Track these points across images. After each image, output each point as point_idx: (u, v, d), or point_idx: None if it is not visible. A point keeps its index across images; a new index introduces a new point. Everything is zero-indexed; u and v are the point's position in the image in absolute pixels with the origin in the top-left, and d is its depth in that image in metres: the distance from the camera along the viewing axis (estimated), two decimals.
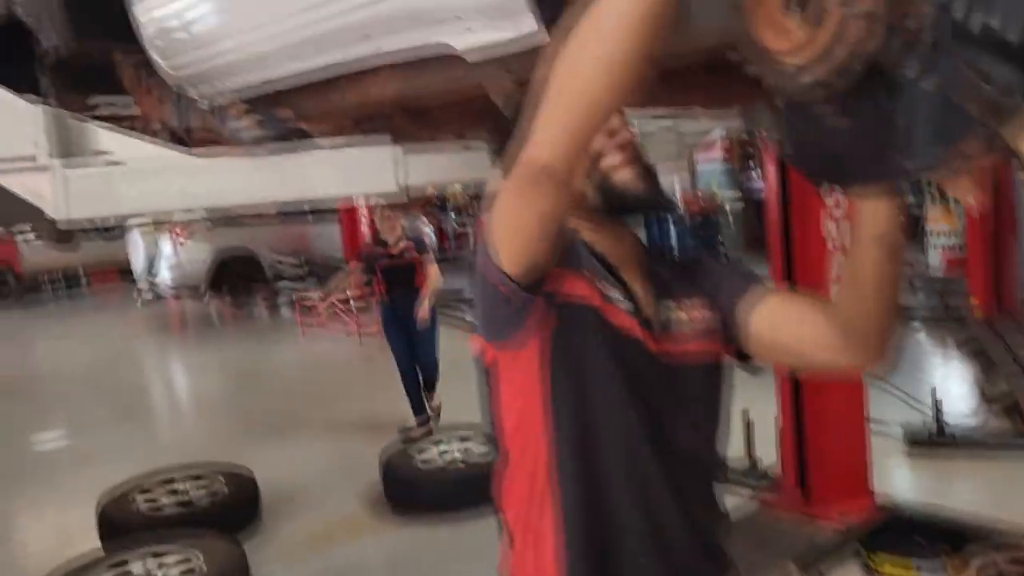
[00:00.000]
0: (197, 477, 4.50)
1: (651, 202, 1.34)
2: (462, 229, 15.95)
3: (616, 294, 1.30)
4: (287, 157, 1.79)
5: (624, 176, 1.31)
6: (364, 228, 11.04)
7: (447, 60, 1.73)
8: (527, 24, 1.33)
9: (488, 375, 1.37)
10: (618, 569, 1.29)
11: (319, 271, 11.41)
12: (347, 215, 11.44)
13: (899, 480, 4.40)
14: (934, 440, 4.69)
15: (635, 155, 1.33)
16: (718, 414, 1.38)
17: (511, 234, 1.19)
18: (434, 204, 15.73)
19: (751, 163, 11.98)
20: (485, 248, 1.22)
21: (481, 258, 1.24)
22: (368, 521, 4.45)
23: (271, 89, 2.00)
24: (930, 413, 4.75)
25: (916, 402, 4.93)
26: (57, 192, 1.71)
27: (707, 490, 1.37)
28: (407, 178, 1.79)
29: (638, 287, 1.34)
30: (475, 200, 16.85)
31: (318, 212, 12.24)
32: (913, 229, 8.24)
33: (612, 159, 1.30)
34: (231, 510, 4.28)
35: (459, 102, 1.97)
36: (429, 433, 5.35)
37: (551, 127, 1.09)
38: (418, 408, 5.64)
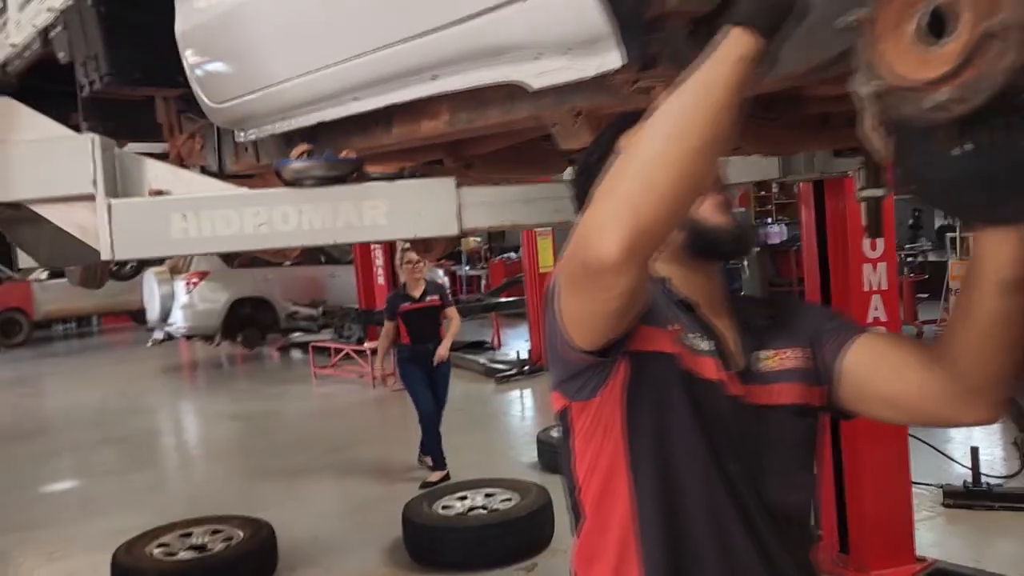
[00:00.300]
0: (215, 531, 4.36)
1: (741, 243, 1.28)
2: (474, 275, 15.97)
3: (704, 344, 1.22)
4: (343, 194, 1.73)
5: (714, 215, 1.24)
6: (380, 278, 11.06)
7: (505, 97, 1.68)
8: (612, 60, 1.28)
9: (562, 426, 1.28)
10: None
11: (334, 319, 11.36)
12: (363, 263, 11.43)
13: (938, 537, 4.26)
14: (972, 495, 4.57)
15: (725, 193, 1.26)
16: (812, 468, 1.29)
17: (574, 322, 1.13)
18: (449, 254, 15.79)
19: (767, 209, 11.96)
20: (553, 312, 1.16)
21: (549, 321, 1.18)
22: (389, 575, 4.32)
23: (323, 126, 1.96)
24: (964, 467, 4.64)
25: (947, 456, 4.83)
26: (112, 230, 1.64)
27: (801, 554, 1.26)
28: (466, 220, 1.73)
29: (727, 332, 1.26)
30: (489, 250, 16.91)
31: (332, 259, 12.24)
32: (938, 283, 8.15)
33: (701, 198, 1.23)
34: (248, 561, 4.15)
35: (514, 143, 1.92)
36: (447, 478, 5.31)
37: (619, 210, 0.97)
38: (437, 453, 5.57)
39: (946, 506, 4.54)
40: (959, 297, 1.14)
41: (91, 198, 1.72)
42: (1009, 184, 0.91)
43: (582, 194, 1.28)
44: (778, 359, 1.25)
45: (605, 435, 1.21)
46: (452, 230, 1.74)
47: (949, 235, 10.46)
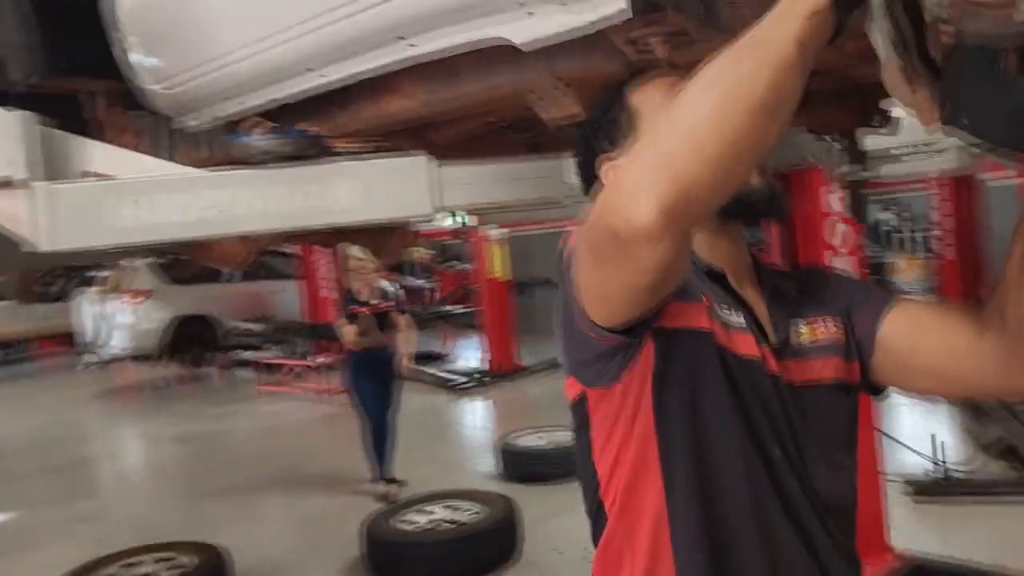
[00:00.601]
0: (164, 559, 4.09)
1: (775, 204, 1.15)
2: (425, 286, 15.75)
3: (736, 317, 1.09)
4: (307, 172, 1.57)
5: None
6: (325, 291, 10.82)
7: (482, 65, 1.55)
8: (614, 6, 1.15)
9: (577, 417, 1.15)
10: None
11: (279, 335, 11.06)
12: (308, 275, 11.19)
13: (908, 529, 4.24)
14: (941, 488, 4.58)
15: None
16: (854, 450, 1.17)
17: (596, 297, 0.99)
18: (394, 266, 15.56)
19: None
20: (569, 286, 1.02)
21: (564, 296, 1.04)
22: None
23: (276, 105, 1.80)
24: (928, 460, 4.68)
25: (911, 450, 4.84)
26: (47, 218, 1.45)
27: (847, 543, 1.13)
28: (443, 198, 1.58)
29: (757, 303, 1.14)
30: (442, 261, 16.73)
31: (276, 274, 11.95)
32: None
33: None
34: None
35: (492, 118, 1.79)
36: (399, 489, 5.24)
37: (659, 172, 0.83)
38: (385, 465, 5.44)
39: (912, 497, 4.53)
40: (1012, 254, 1.02)
41: (23, 184, 1.53)
42: None
43: (587, 162, 1.17)
44: (813, 332, 1.14)
45: (630, 424, 1.08)
46: (427, 209, 1.59)
47: (885, 229, 10.61)
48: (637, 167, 0.87)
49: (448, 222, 10.18)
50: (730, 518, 1.06)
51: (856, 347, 1.15)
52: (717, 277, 1.13)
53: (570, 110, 1.55)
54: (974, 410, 5.88)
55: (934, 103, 0.93)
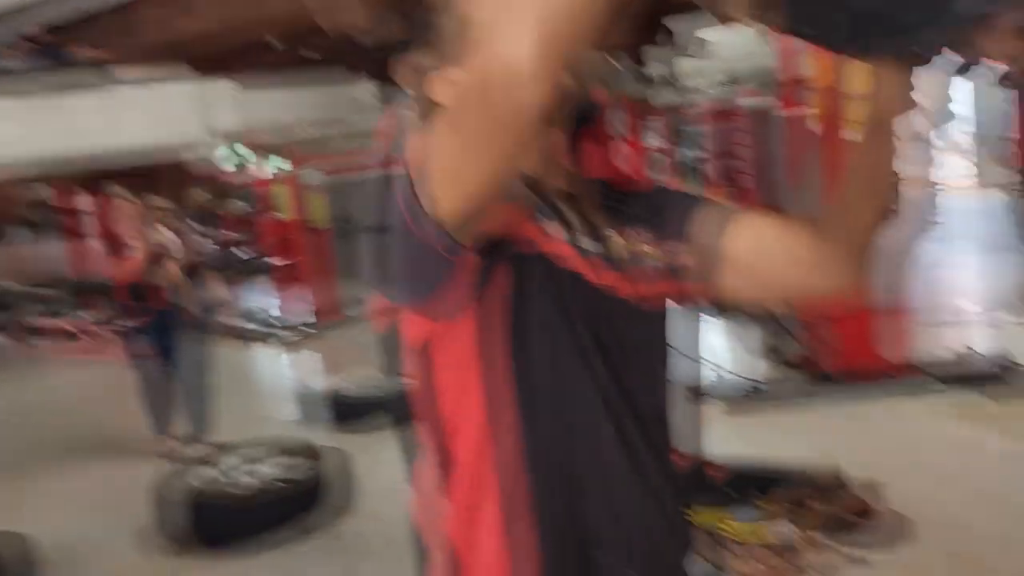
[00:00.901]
0: None
1: (592, 112, 1.09)
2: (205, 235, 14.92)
3: (564, 230, 1.05)
4: (68, 97, 1.35)
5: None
6: (95, 243, 10.05)
7: None
8: None
9: (419, 359, 1.08)
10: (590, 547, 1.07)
11: (46, 295, 10.18)
12: (73, 230, 10.35)
13: (723, 441, 4.53)
14: (749, 398, 4.96)
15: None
16: (669, 361, 1.18)
17: (453, 188, 0.90)
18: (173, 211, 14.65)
19: None
20: (411, 195, 0.93)
21: (403, 206, 0.95)
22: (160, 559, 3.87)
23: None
24: (736, 377, 5.09)
25: (719, 367, 5.19)
26: None
27: (666, 458, 1.15)
28: (217, 120, 1.40)
29: (585, 216, 1.09)
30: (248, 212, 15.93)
31: (39, 227, 11.00)
32: None
33: None
34: None
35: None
36: (202, 445, 4.98)
37: (516, 20, 0.78)
38: (164, 425, 5.21)
39: (725, 412, 4.84)
40: (852, 167, 1.07)
41: None
42: (919, 9, 0.85)
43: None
44: (640, 245, 1.11)
45: (481, 362, 1.03)
46: (196, 131, 1.41)
47: (686, 160, 11.16)
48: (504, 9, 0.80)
49: (262, 169, 9.64)
50: (582, 453, 1.05)
51: (685, 260, 1.13)
52: (554, 195, 1.08)
53: (353, 19, 1.41)
54: (773, 324, 6.36)
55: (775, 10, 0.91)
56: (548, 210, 1.06)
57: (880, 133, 1.02)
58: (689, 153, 9.39)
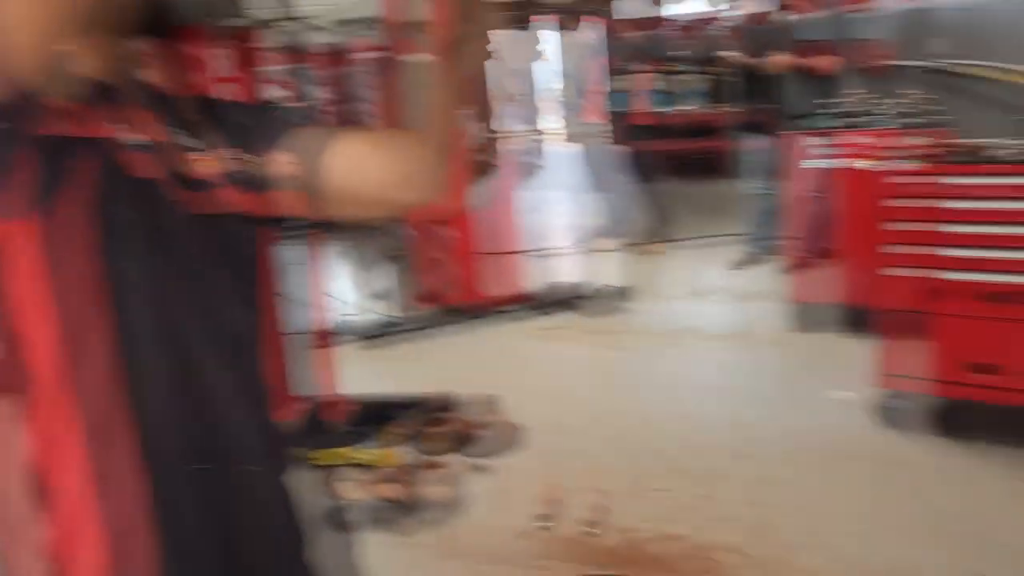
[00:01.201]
0: None
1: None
2: None
3: (136, 136, 0.97)
4: None
5: None
6: None
7: None
8: None
9: None
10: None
11: None
12: None
13: (358, 377, 4.63)
14: (385, 334, 5.21)
15: None
16: (256, 284, 1.15)
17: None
18: None
19: None
20: None
21: None
22: None
23: None
24: (358, 312, 5.31)
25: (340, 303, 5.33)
26: None
27: (250, 375, 1.13)
28: None
29: (156, 126, 1.01)
30: None
31: None
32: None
33: None
34: None
35: None
36: None
37: None
38: None
39: (358, 348, 5.01)
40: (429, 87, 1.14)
41: None
42: None
43: None
44: (232, 157, 1.05)
45: (53, 273, 0.94)
46: None
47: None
48: None
49: None
50: (158, 377, 1.01)
51: (266, 178, 1.09)
52: (115, 91, 0.99)
53: None
54: (399, 264, 6.59)
55: None
56: (132, 115, 0.98)
57: (450, 57, 1.11)
58: (308, 94, 9.23)
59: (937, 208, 3.17)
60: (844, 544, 2.86)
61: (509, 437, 3.78)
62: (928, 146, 3.42)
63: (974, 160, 3.17)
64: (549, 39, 8.85)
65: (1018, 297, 3.03)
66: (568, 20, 7.93)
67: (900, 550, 2.79)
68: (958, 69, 5.82)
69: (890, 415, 3.55)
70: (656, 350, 4.92)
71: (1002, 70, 5.20)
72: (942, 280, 3.19)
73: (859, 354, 3.77)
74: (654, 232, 7.01)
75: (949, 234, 3.15)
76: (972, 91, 5.68)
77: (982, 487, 3.12)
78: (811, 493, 3.20)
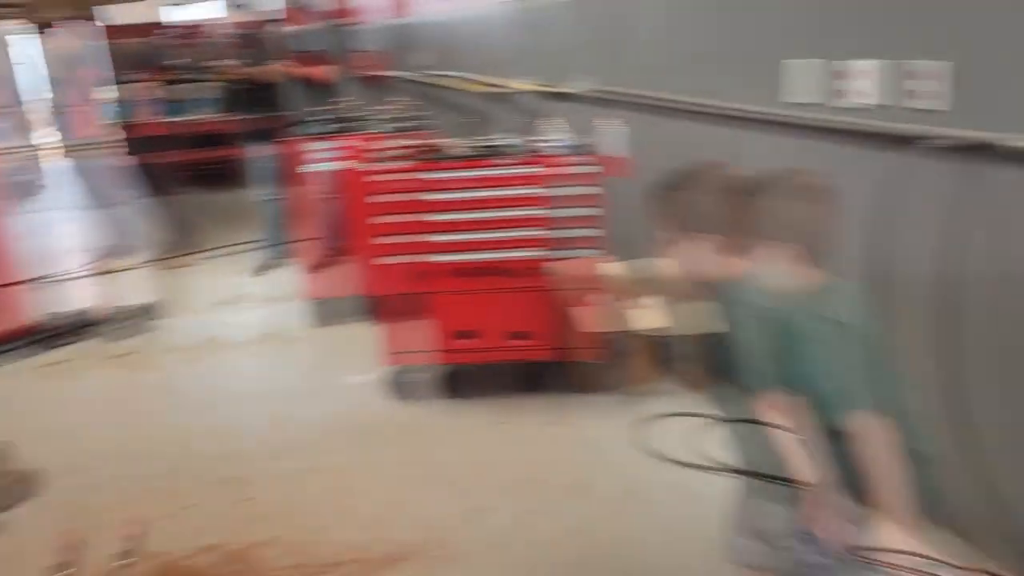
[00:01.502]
0: None
1: None
2: None
3: None
4: None
5: None
6: None
7: None
8: None
9: None
10: None
11: None
12: None
13: None
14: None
15: None
16: None
17: None
18: None
19: None
20: None
21: None
22: None
23: None
24: None
25: None
26: None
27: None
28: None
29: None
30: None
31: None
32: None
33: None
34: None
35: None
36: None
37: None
38: None
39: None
40: None
41: None
42: None
43: None
44: None
45: None
46: None
47: None
48: None
49: None
50: None
51: None
52: None
53: None
54: None
55: None
56: None
57: None
58: None
59: (416, 201, 3.62)
60: (374, 511, 3.14)
61: (18, 488, 3.40)
62: (408, 147, 3.86)
63: (439, 158, 3.67)
64: (26, 43, 7.94)
65: (483, 271, 3.61)
66: (39, 21, 7.21)
67: (420, 507, 3.16)
68: (433, 79, 6.62)
69: (402, 388, 3.98)
70: (187, 365, 4.79)
71: (463, 80, 6.04)
72: (427, 263, 3.65)
73: (373, 340, 4.13)
74: (176, 245, 6.76)
75: (427, 223, 3.62)
76: (443, 98, 6.52)
77: (479, 436, 3.67)
78: (343, 473, 3.44)
